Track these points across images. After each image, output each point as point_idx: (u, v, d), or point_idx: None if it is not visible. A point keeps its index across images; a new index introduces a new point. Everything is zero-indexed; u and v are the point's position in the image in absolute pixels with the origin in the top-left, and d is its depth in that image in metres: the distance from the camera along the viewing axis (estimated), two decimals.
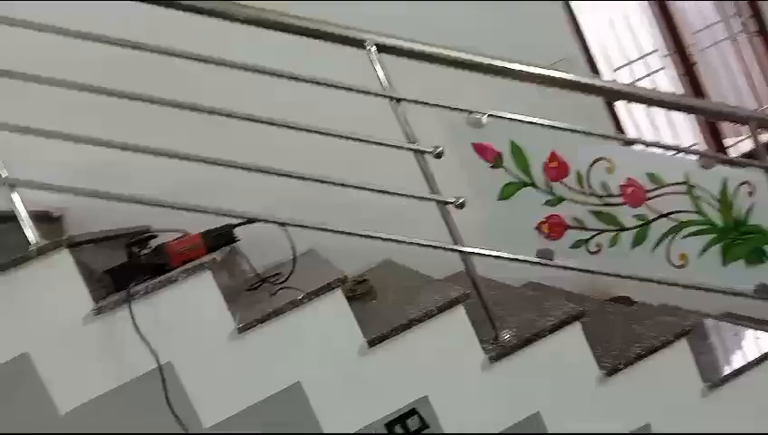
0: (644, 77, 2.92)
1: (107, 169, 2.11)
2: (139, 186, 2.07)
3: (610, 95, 1.68)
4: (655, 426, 1.61)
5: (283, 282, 1.76)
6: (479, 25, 2.70)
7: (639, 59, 2.93)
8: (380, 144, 1.57)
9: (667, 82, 2.97)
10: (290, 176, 1.55)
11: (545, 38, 2.76)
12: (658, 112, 2.92)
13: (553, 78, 1.65)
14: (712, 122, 2.91)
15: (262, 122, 1.55)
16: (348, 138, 1.57)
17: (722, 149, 2.92)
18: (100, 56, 1.71)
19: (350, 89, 1.59)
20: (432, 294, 1.69)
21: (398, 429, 1.53)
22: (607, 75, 2.86)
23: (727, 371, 1.69)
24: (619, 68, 2.90)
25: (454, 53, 1.62)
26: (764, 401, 1.67)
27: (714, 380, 1.66)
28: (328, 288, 1.50)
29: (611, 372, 1.61)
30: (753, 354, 1.73)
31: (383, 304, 1.87)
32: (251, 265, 1.92)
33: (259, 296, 1.76)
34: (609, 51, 2.88)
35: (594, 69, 2.83)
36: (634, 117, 2.84)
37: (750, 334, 1.87)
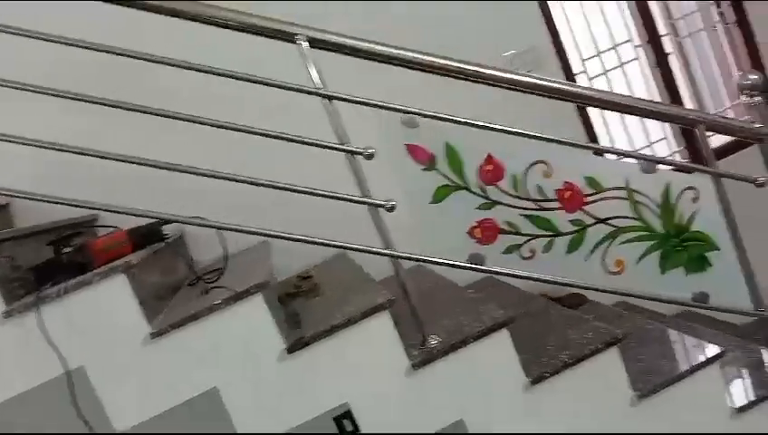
0: (615, 68, 2.85)
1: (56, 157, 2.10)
2: (88, 175, 2.08)
3: (551, 94, 1.61)
4: None
5: (215, 280, 1.74)
6: (446, 12, 2.63)
7: (611, 49, 2.85)
8: (309, 144, 1.53)
9: (640, 73, 2.89)
10: (216, 177, 1.52)
11: (514, 27, 2.69)
12: None
13: (489, 76, 1.59)
14: None
15: (193, 122, 1.51)
16: (276, 137, 1.53)
17: (694, 146, 2.85)
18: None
19: (280, 86, 1.54)
20: (363, 297, 1.67)
21: (346, 423, 1.53)
22: (577, 65, 2.79)
23: (660, 379, 1.67)
24: (589, 58, 2.82)
25: (388, 50, 1.56)
26: (694, 412, 1.66)
27: (643, 389, 1.64)
28: (247, 293, 1.47)
29: (537, 379, 1.59)
30: (688, 363, 1.71)
31: (322, 304, 1.85)
32: (187, 261, 1.90)
33: (192, 294, 1.74)
34: (581, 40, 2.79)
35: (564, 59, 2.76)
36: (604, 116, 2.77)
37: (691, 342, 1.85)
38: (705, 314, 2.57)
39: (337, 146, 1.54)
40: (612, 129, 2.81)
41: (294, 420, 1.49)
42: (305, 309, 1.86)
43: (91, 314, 1.41)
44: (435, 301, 1.96)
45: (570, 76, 2.74)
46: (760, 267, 1.79)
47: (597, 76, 2.83)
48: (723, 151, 2.70)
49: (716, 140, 2.71)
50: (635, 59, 2.88)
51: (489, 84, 1.63)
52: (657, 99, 2.93)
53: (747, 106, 1.75)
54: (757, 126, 1.73)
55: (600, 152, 2.50)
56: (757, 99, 1.72)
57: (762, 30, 2.96)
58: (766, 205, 1.82)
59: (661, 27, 2.93)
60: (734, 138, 1.91)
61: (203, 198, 2.14)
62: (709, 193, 1.69)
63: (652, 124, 2.86)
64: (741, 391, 1.78)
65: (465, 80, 1.61)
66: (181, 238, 2.43)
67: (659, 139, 2.88)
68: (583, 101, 1.63)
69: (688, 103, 3.05)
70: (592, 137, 2.77)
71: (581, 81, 2.79)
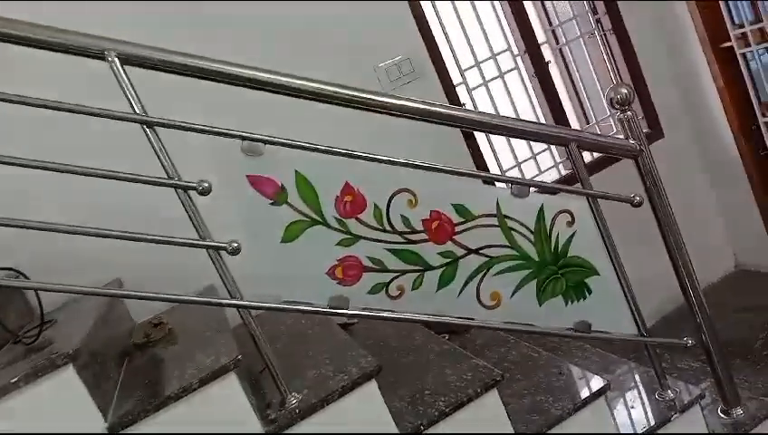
0: (495, 78, 2.76)
1: None
2: None
3: (410, 114, 1.45)
4: None
5: (33, 341, 1.46)
6: (316, 22, 2.44)
7: (490, 59, 2.76)
8: (130, 180, 1.28)
9: (520, 83, 2.82)
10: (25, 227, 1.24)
11: (389, 37, 2.54)
12: None
13: (328, 93, 1.39)
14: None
15: None
16: (88, 174, 1.27)
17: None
18: None
19: (90, 113, 1.27)
20: (212, 352, 1.45)
21: None
22: (456, 76, 2.68)
23: (545, 419, 1.55)
24: (468, 68, 2.71)
25: (215, 66, 1.33)
26: None
27: (528, 432, 1.52)
28: (53, 367, 1.21)
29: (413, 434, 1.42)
30: (573, 399, 1.60)
31: (167, 361, 1.60)
32: (3, 323, 1.58)
33: (12, 356, 1.45)
34: (459, 50, 2.68)
35: (443, 70, 2.64)
36: (491, 138, 2.68)
37: (578, 372, 1.74)
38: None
39: (164, 181, 1.30)
40: (496, 141, 2.72)
41: None
42: (151, 365, 1.61)
43: None
44: (303, 345, 1.75)
45: (449, 87, 2.63)
46: (641, 287, 1.73)
47: (477, 87, 2.73)
48: (601, 162, 2.68)
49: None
50: (514, 68, 2.81)
51: (345, 106, 1.44)
52: (539, 109, 2.89)
53: (619, 121, 1.67)
54: (631, 142, 1.65)
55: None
56: (628, 113, 1.64)
57: (638, 39, 2.97)
58: (645, 221, 1.75)
59: (540, 35, 2.87)
60: None
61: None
62: (586, 214, 1.60)
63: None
64: (631, 421, 1.69)
65: (315, 100, 1.41)
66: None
67: (542, 150, 2.82)
68: (447, 122, 1.47)
69: (570, 113, 3.02)
70: (476, 151, 2.68)
71: (461, 92, 2.68)
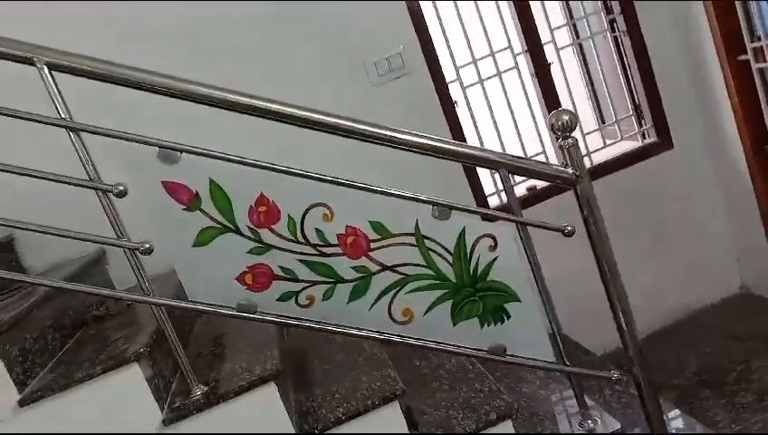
0: (492, 77, 2.70)
1: None
2: None
3: (299, 123, 1.47)
4: None
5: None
6: (305, 15, 2.46)
7: (488, 56, 2.69)
8: (51, 179, 1.39)
9: (519, 83, 2.74)
10: None
11: (380, 30, 2.53)
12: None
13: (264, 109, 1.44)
14: None
15: None
16: (14, 172, 1.38)
17: None
18: None
19: (15, 116, 1.38)
20: (132, 338, 1.57)
21: None
22: (450, 74, 2.64)
23: None
24: (464, 65, 2.66)
25: (141, 75, 1.40)
26: None
27: None
28: None
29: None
30: (477, 422, 1.62)
31: (106, 338, 1.73)
32: None
33: None
34: (455, 46, 2.63)
35: (435, 66, 2.60)
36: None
37: (495, 392, 1.75)
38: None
39: (83, 183, 1.40)
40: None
41: None
42: (91, 341, 1.74)
43: None
44: (236, 336, 1.84)
45: (441, 84, 2.60)
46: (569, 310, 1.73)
47: (471, 85, 2.68)
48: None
49: None
50: (514, 68, 2.73)
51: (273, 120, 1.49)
52: (538, 111, 2.81)
53: (560, 148, 1.63)
54: (569, 170, 1.61)
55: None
56: (569, 140, 1.61)
57: (653, 39, 2.82)
58: (579, 250, 1.73)
59: (545, 35, 2.77)
60: None
61: None
62: (511, 239, 1.59)
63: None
64: None
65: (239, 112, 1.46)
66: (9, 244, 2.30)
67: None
68: (358, 136, 1.48)
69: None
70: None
71: (454, 90, 2.65)
